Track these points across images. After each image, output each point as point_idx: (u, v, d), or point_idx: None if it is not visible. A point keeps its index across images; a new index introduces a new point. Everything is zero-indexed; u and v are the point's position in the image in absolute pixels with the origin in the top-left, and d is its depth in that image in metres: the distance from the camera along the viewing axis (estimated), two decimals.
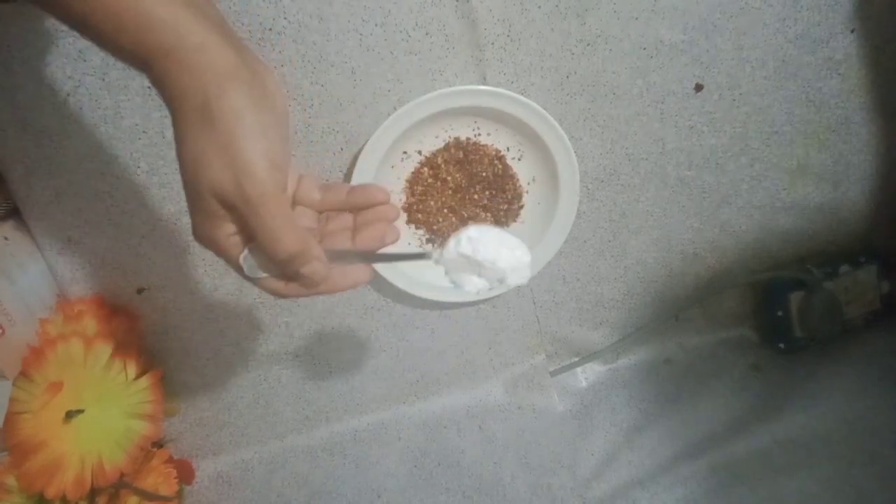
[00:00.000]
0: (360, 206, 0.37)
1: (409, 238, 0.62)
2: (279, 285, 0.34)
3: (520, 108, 0.56)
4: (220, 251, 0.32)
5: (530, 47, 0.57)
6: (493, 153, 0.60)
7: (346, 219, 0.38)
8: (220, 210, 0.30)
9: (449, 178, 0.60)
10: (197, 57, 0.28)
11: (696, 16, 0.58)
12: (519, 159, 0.60)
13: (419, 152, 0.59)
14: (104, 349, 0.55)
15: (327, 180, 0.60)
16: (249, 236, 0.31)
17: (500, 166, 0.60)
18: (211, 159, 0.28)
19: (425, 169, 0.59)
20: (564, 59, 0.58)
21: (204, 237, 0.31)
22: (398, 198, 0.61)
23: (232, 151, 0.28)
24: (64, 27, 0.51)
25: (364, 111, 0.57)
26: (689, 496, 0.63)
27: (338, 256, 0.35)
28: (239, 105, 0.28)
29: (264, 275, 0.33)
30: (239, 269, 0.33)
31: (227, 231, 0.31)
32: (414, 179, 0.60)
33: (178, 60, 0.28)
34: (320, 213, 0.38)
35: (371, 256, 0.37)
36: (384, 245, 0.37)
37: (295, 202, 0.37)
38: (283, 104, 0.33)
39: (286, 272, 0.32)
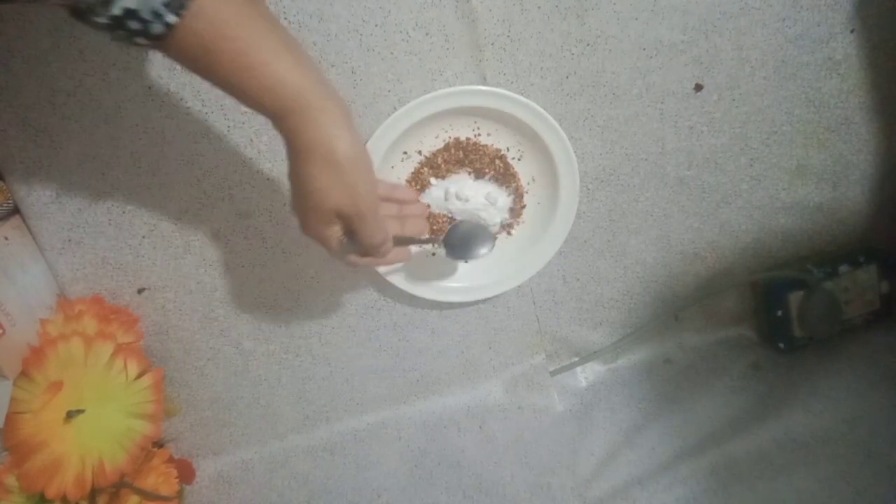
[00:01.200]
0: (401, 200, 0.53)
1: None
2: (359, 259, 0.47)
3: (520, 109, 0.56)
4: (326, 242, 0.44)
5: (530, 47, 0.57)
6: (494, 153, 0.60)
7: (392, 207, 0.53)
8: (335, 218, 0.42)
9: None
10: (321, 116, 0.38)
11: (696, 16, 0.58)
12: (519, 159, 0.60)
13: (419, 152, 0.59)
14: (105, 349, 0.55)
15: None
16: (348, 232, 0.44)
17: (501, 165, 0.60)
18: (334, 189, 0.40)
19: (425, 169, 0.59)
20: (564, 59, 0.58)
21: (316, 233, 0.43)
22: None
23: (351, 185, 0.40)
24: (64, 27, 0.51)
25: (364, 111, 0.57)
26: (688, 496, 0.63)
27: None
28: (350, 149, 0.39)
29: (352, 254, 0.47)
30: (336, 252, 0.45)
31: (335, 231, 0.44)
32: (414, 179, 0.60)
33: (306, 118, 0.38)
34: None
35: (410, 240, 0.52)
36: (422, 234, 0.53)
37: None
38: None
39: (370, 252, 0.46)
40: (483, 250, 0.55)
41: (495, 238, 0.58)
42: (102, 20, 0.33)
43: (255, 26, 0.36)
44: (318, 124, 0.38)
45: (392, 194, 0.53)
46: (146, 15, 0.32)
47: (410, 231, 0.52)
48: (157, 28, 0.33)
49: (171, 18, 0.33)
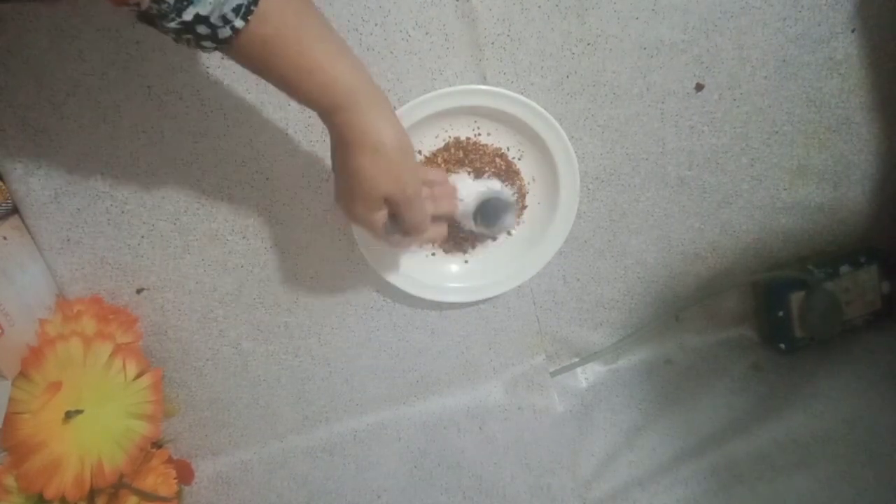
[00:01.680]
0: (432, 182, 0.54)
1: None
2: (402, 239, 0.50)
3: (520, 108, 0.56)
4: (373, 225, 0.46)
5: (530, 47, 0.57)
6: (494, 151, 0.59)
7: (425, 190, 0.52)
8: (383, 205, 0.45)
9: None
10: (371, 110, 0.41)
11: (697, 15, 0.58)
12: (519, 159, 0.60)
13: (419, 152, 0.59)
14: (103, 349, 0.55)
15: (327, 179, 0.60)
16: (393, 215, 0.46)
17: (502, 163, 0.60)
18: (384, 177, 0.42)
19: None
20: (564, 58, 0.58)
21: (364, 219, 0.45)
22: None
23: (398, 172, 0.43)
24: (64, 26, 0.51)
25: None
26: (689, 496, 0.63)
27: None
28: (397, 139, 0.42)
29: (395, 235, 0.49)
30: (381, 234, 0.47)
31: (382, 215, 0.46)
32: None
33: (358, 112, 0.40)
34: None
35: (440, 219, 0.54)
36: (452, 212, 0.56)
37: None
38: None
39: (412, 232, 0.48)
40: (511, 219, 0.57)
41: (521, 208, 0.62)
42: (173, 25, 0.34)
43: (313, 29, 0.38)
44: (367, 118, 0.41)
45: (425, 176, 0.54)
46: (215, 20, 0.34)
47: (443, 210, 0.54)
48: (224, 33, 0.35)
49: (238, 23, 0.34)
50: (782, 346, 0.72)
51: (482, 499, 0.67)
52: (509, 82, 0.58)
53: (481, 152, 0.59)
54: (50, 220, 0.57)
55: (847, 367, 0.69)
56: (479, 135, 0.59)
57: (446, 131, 0.58)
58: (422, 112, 0.55)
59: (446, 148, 0.59)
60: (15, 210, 0.57)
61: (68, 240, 0.58)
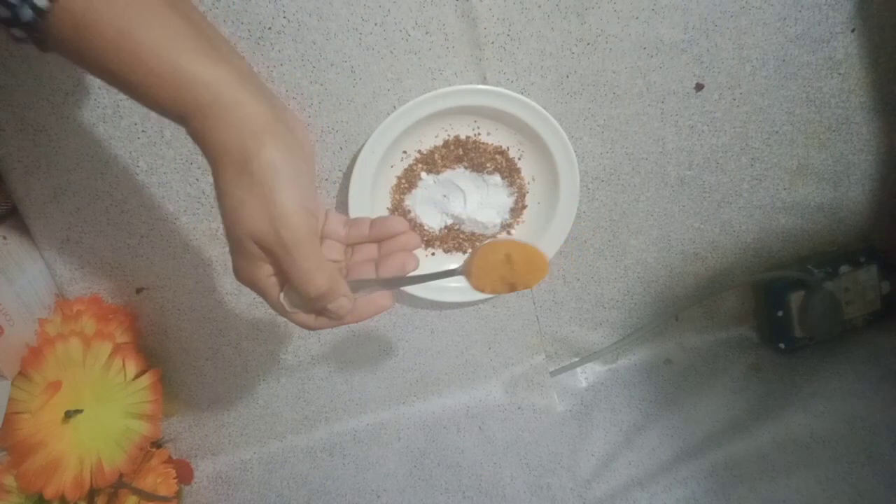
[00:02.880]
0: (382, 237, 0.41)
1: None
2: (309, 319, 0.38)
3: (520, 108, 0.56)
4: (259, 291, 0.35)
5: (530, 46, 0.57)
6: (494, 149, 0.59)
7: (371, 249, 0.41)
8: (260, 253, 0.33)
9: None
10: (234, 113, 0.31)
11: (697, 15, 0.58)
12: (519, 159, 0.60)
13: (419, 151, 0.59)
14: (103, 349, 0.55)
15: (326, 179, 0.60)
16: (285, 276, 0.34)
17: (503, 161, 0.60)
18: (250, 209, 0.31)
19: (419, 165, 0.59)
20: (564, 58, 0.58)
21: (245, 278, 0.35)
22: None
23: (270, 202, 0.31)
24: None
25: (364, 110, 0.57)
26: (689, 496, 0.63)
27: (364, 286, 0.39)
28: (275, 158, 0.31)
29: (297, 310, 0.37)
30: (277, 307, 0.36)
31: (266, 272, 0.34)
32: (405, 176, 0.60)
33: (215, 116, 0.30)
34: (346, 245, 0.41)
35: (396, 282, 0.40)
36: (406, 273, 0.40)
37: (323, 236, 0.40)
38: (311, 148, 0.35)
39: (316, 308, 0.36)
40: None
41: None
42: None
43: (142, 4, 0.30)
44: (227, 123, 0.30)
45: (375, 233, 0.41)
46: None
47: (390, 270, 0.40)
48: (26, 14, 0.28)
49: (40, 2, 0.28)
50: (782, 346, 0.72)
51: (482, 498, 0.67)
52: (509, 82, 0.58)
53: (481, 150, 0.59)
54: (49, 219, 0.57)
55: (847, 367, 0.69)
56: (479, 134, 0.59)
57: (446, 131, 0.58)
58: (421, 111, 0.55)
59: (445, 145, 0.59)
60: (14, 210, 0.57)
61: (68, 239, 0.58)
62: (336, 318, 0.37)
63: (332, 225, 0.40)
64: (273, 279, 0.35)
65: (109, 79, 0.31)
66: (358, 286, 0.39)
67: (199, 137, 0.31)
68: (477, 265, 0.39)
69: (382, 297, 0.40)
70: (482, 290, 0.40)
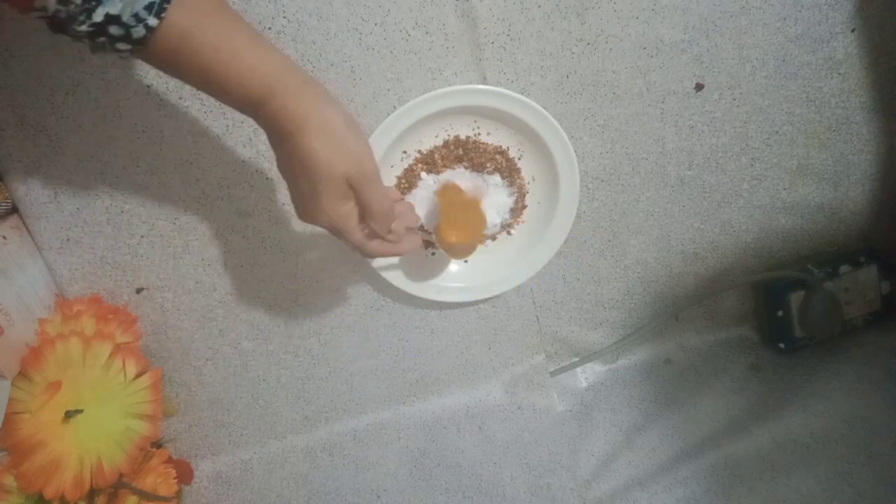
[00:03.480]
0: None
1: None
2: (378, 246, 0.46)
3: (520, 108, 0.56)
4: (345, 221, 0.42)
5: (530, 46, 0.57)
6: (494, 149, 0.59)
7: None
8: (347, 190, 0.41)
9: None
10: (306, 90, 0.38)
11: (697, 15, 0.58)
12: (519, 158, 0.60)
13: (419, 151, 0.59)
14: (103, 349, 0.55)
15: None
16: (363, 205, 0.42)
17: (503, 160, 0.60)
18: (338, 156, 0.39)
19: (419, 165, 0.59)
20: (564, 58, 0.58)
21: (334, 214, 0.41)
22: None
23: (351, 148, 0.40)
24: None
25: (364, 110, 0.57)
26: (689, 496, 0.63)
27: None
28: (345, 117, 0.40)
29: (373, 240, 0.45)
30: (355, 231, 0.43)
31: (351, 206, 0.42)
32: (406, 176, 0.60)
33: (292, 95, 0.38)
34: None
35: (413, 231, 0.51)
36: (416, 223, 0.52)
37: None
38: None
39: (382, 228, 0.44)
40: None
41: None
42: (84, 28, 0.33)
43: (227, 19, 0.37)
44: (303, 99, 0.38)
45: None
46: (127, 19, 0.33)
47: (409, 222, 0.51)
48: (138, 32, 0.33)
49: (152, 21, 0.33)
50: (782, 345, 0.72)
51: (482, 498, 0.67)
52: (509, 82, 0.58)
53: (481, 150, 0.59)
54: (49, 219, 0.57)
55: (847, 367, 0.69)
56: (479, 134, 0.59)
57: (446, 131, 0.58)
58: (421, 112, 0.55)
59: (445, 145, 0.59)
60: (15, 210, 0.57)
61: (68, 239, 0.58)
62: (394, 239, 0.46)
63: None
64: (355, 211, 0.43)
65: (200, 83, 0.38)
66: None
67: (281, 113, 0.38)
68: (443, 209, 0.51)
69: (416, 238, 0.51)
70: (454, 236, 0.54)
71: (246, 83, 0.37)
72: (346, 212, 0.42)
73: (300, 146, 0.39)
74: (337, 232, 0.43)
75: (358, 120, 0.44)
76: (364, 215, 0.43)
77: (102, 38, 0.34)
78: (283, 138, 0.39)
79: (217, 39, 0.36)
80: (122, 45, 0.34)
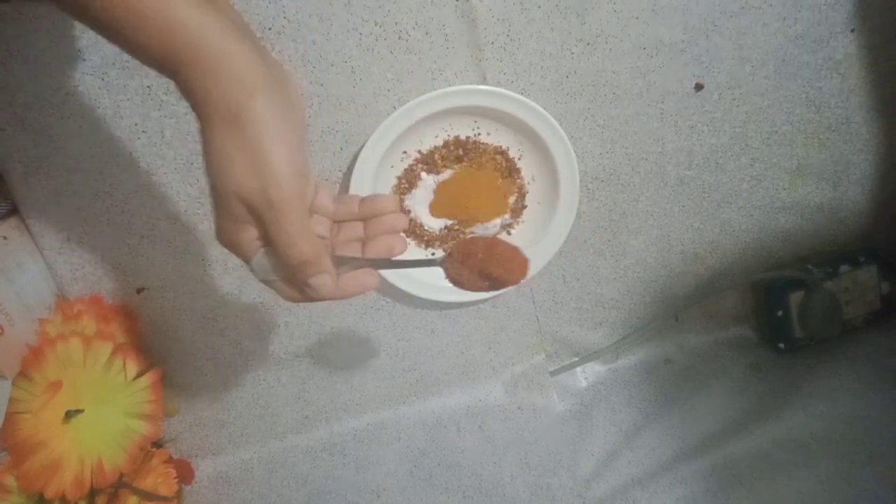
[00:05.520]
0: (371, 215, 0.39)
1: (408, 239, 0.62)
2: (285, 289, 0.35)
3: (519, 108, 0.56)
4: (241, 255, 0.33)
5: (530, 47, 0.57)
6: (494, 149, 0.59)
7: (357, 228, 0.39)
8: (245, 214, 0.31)
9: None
10: (224, 64, 0.29)
11: (697, 15, 0.58)
12: (519, 159, 0.60)
13: (419, 152, 0.59)
14: (103, 349, 0.55)
15: (327, 179, 0.60)
16: (269, 240, 0.32)
17: (503, 160, 0.60)
18: (238, 165, 0.30)
19: (419, 165, 0.59)
20: (564, 58, 0.58)
21: (227, 240, 0.33)
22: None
23: (258, 158, 0.29)
24: (64, 26, 0.51)
25: (364, 111, 0.57)
26: (689, 496, 0.63)
27: (348, 262, 0.37)
28: (266, 114, 0.30)
29: (275, 277, 0.34)
30: (252, 266, 0.34)
31: (250, 236, 0.32)
32: (406, 176, 0.60)
33: (204, 68, 0.29)
34: (334, 222, 0.40)
35: (380, 264, 0.39)
36: (392, 255, 0.39)
37: (311, 211, 0.37)
38: (302, 110, 0.34)
39: (296, 278, 0.33)
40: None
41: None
42: None
43: None
44: (217, 75, 0.29)
45: (363, 211, 0.40)
46: None
47: (377, 253, 0.38)
48: None
49: None
50: (781, 346, 0.72)
51: (482, 498, 0.67)
52: (509, 82, 0.58)
53: (481, 150, 0.59)
54: (50, 219, 0.57)
55: (847, 367, 0.69)
56: (479, 134, 0.59)
57: (446, 131, 0.58)
58: (421, 112, 0.55)
59: (445, 146, 0.59)
60: (15, 210, 0.57)
61: (68, 239, 0.58)
62: (316, 296, 0.34)
63: (321, 199, 0.38)
64: (257, 243, 0.33)
65: (95, 25, 0.29)
66: (343, 262, 0.37)
67: (188, 89, 0.30)
68: (457, 256, 0.38)
69: (368, 274, 0.37)
70: (459, 283, 0.39)
71: (148, 36, 0.28)
72: (246, 241, 0.32)
73: (203, 141, 0.31)
74: (235, 254, 0.33)
75: (306, 124, 0.36)
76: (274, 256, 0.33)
77: None
78: (200, 120, 0.31)
79: None
80: None
